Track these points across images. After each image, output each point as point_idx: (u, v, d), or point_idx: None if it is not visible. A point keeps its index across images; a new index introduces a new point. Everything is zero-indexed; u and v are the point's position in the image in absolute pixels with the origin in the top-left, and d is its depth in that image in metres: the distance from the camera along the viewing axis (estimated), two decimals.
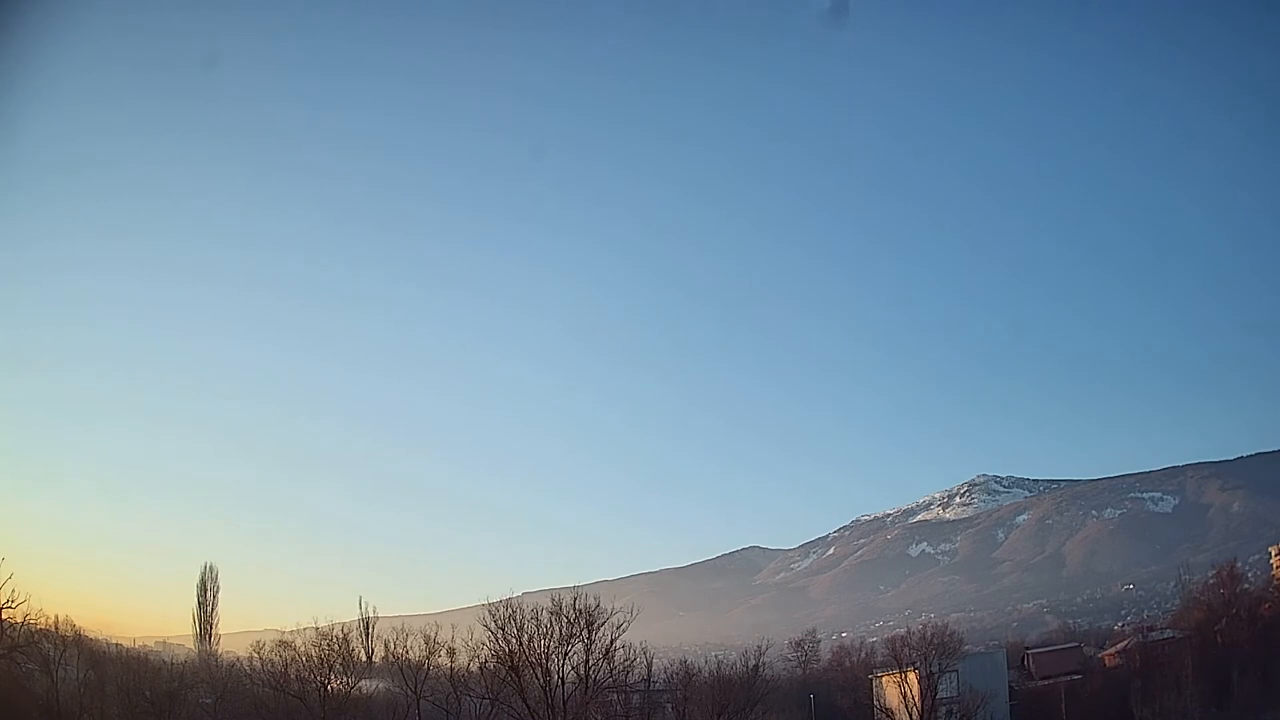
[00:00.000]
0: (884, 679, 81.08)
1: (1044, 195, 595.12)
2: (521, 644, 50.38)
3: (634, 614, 54.17)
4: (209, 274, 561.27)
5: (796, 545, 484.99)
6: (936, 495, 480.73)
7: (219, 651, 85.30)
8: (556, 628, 51.25)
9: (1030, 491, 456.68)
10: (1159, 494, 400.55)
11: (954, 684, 74.09)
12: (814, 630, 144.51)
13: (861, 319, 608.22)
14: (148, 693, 55.39)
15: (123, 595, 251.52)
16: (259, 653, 63.10)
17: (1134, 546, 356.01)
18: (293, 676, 53.12)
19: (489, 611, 51.44)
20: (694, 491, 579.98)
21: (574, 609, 51.90)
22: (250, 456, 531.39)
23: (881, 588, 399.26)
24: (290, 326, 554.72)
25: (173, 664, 72.83)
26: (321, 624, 58.84)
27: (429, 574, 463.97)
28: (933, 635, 78.59)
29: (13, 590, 50.11)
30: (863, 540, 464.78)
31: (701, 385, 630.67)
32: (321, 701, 51.20)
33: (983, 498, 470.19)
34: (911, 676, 72.37)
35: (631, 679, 57.55)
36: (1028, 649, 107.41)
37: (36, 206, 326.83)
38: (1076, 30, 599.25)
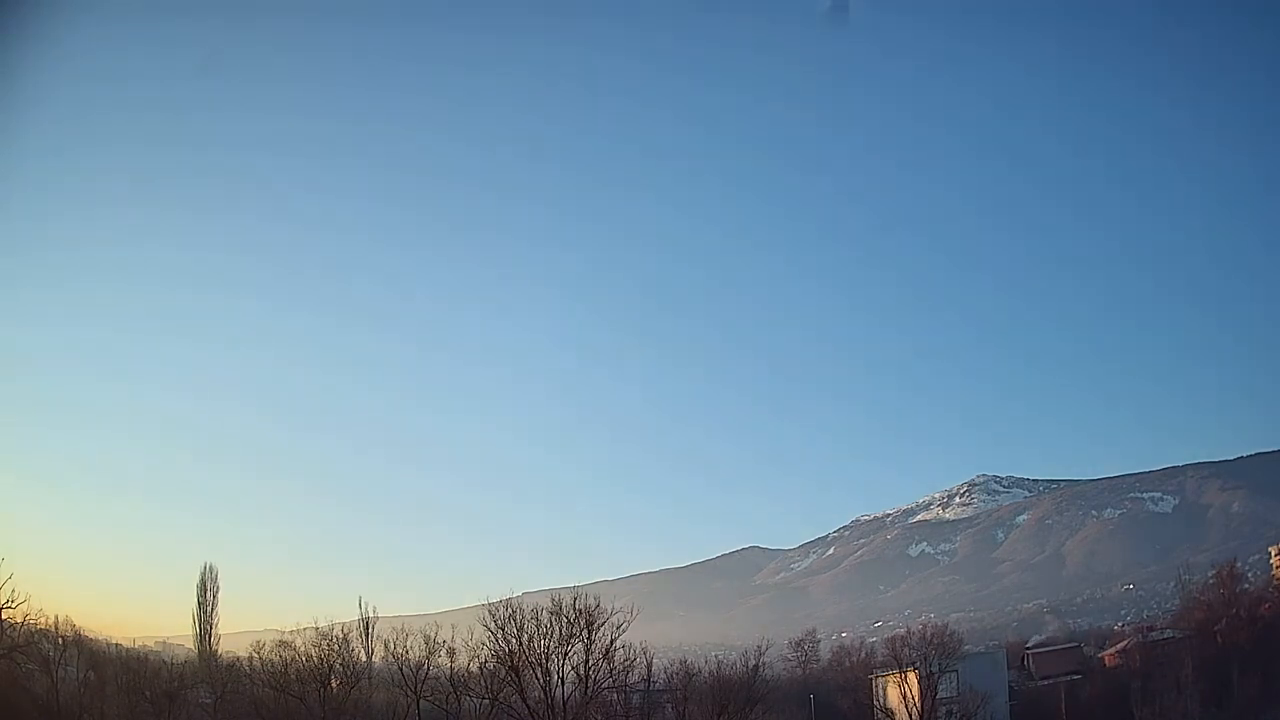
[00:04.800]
0: (884, 679, 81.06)
1: (1044, 197, 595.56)
2: (521, 644, 50.24)
3: (634, 614, 53.96)
4: (209, 279, 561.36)
5: (796, 545, 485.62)
6: (936, 495, 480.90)
7: (219, 651, 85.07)
8: (556, 628, 51.08)
9: (1030, 491, 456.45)
10: (1159, 494, 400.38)
11: (954, 684, 74.07)
12: (814, 630, 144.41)
13: (861, 320, 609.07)
14: (148, 693, 55.30)
15: (123, 595, 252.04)
16: (259, 653, 63.02)
17: (1134, 546, 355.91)
18: (293, 677, 53.00)
19: (489, 611, 51.28)
20: (694, 492, 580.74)
21: (574, 609, 51.69)
22: (250, 458, 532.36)
23: (881, 588, 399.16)
24: (290, 331, 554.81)
25: (173, 664, 72.66)
26: (321, 624, 58.65)
27: (429, 574, 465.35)
28: (933, 635, 78.59)
29: (13, 590, 50.09)
30: (863, 540, 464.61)
31: (701, 386, 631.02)
32: (321, 702, 51.11)
33: (983, 498, 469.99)
34: (911, 676, 72.35)
35: (631, 679, 57.37)
36: (1028, 649, 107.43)
37: (37, 211, 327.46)
38: (1072, 42, 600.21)
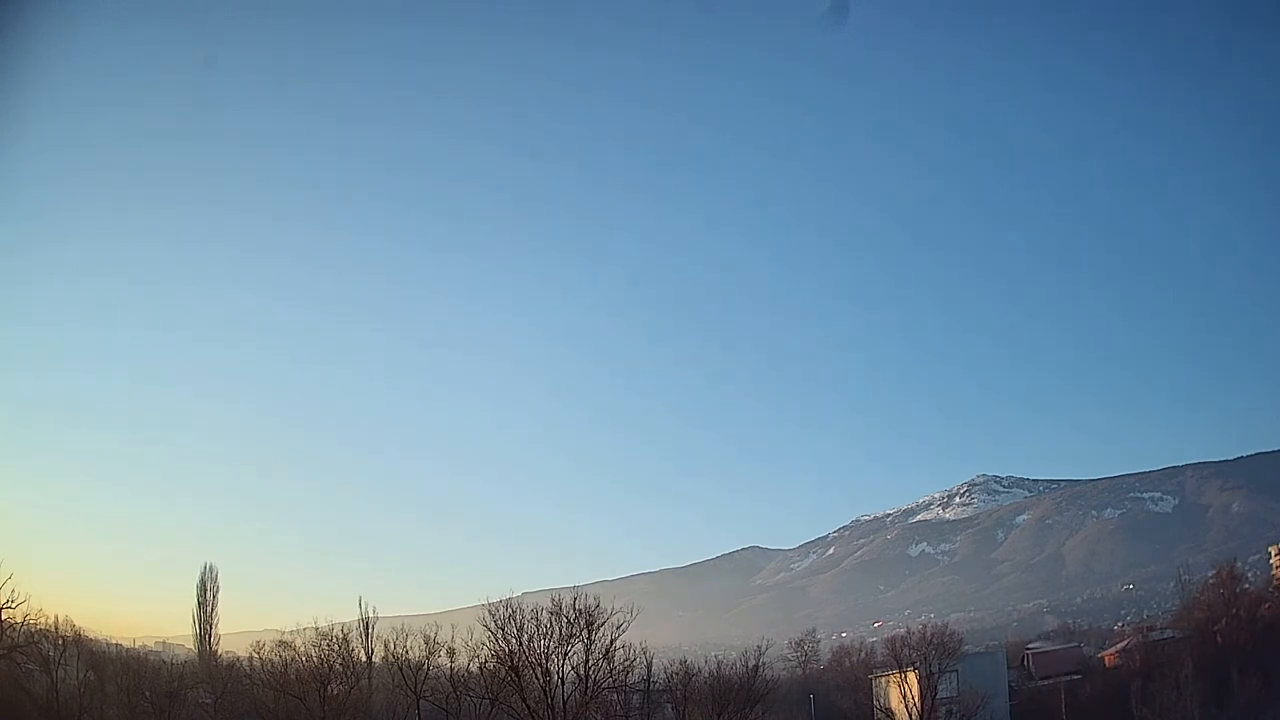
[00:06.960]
0: (884, 679, 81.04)
1: (1044, 197, 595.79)
2: (521, 644, 50.11)
3: (634, 614, 53.90)
4: (209, 277, 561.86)
5: (796, 545, 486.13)
6: (936, 495, 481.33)
7: (219, 652, 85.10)
8: (556, 628, 50.97)
9: (1030, 491, 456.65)
10: (1159, 494, 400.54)
11: (954, 684, 73.99)
12: (814, 630, 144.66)
13: (861, 320, 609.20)
14: (148, 693, 55.26)
15: (123, 595, 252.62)
16: (259, 653, 63.08)
17: (1134, 546, 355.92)
18: (292, 677, 52.95)
19: (489, 611, 51.13)
20: (693, 492, 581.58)
21: (574, 609, 51.60)
22: (251, 457, 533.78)
23: (881, 588, 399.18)
24: (290, 330, 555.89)
25: (173, 664, 72.69)
26: (321, 624, 58.68)
27: (429, 574, 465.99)
28: (933, 635, 78.48)
29: (13, 590, 50.12)
30: (863, 540, 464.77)
31: (701, 387, 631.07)
32: (321, 702, 51.07)
33: (983, 498, 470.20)
34: (911, 676, 72.28)
35: (631, 679, 57.37)
36: (1028, 649, 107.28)
37: (38, 209, 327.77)
38: (1072, 41, 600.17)
